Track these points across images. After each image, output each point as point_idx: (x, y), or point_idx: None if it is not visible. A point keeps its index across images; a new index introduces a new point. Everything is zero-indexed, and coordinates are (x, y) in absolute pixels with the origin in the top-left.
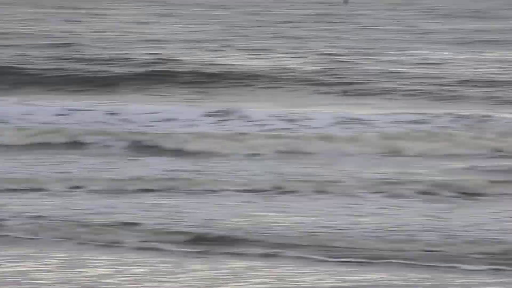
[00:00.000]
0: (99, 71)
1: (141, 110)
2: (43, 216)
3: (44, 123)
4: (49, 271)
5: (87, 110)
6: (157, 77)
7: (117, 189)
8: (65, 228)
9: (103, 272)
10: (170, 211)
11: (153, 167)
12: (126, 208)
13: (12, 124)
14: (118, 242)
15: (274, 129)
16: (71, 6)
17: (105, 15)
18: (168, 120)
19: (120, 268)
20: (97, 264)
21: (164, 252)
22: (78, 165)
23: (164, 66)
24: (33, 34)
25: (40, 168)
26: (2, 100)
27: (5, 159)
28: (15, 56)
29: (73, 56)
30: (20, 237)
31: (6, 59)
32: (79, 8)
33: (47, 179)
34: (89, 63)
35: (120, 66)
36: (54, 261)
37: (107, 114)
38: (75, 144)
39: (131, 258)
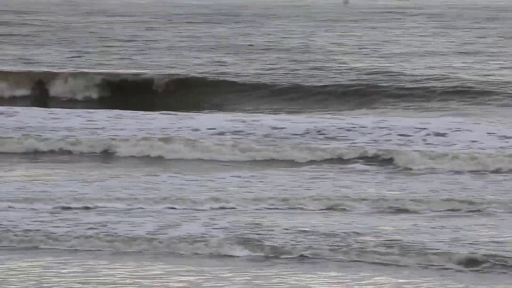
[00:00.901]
0: (369, 85)
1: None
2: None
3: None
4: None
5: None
6: (431, 91)
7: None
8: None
9: None
10: (453, 232)
11: (422, 185)
12: (400, 228)
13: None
14: (398, 262)
15: None
16: (340, 19)
17: (376, 28)
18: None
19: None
20: (372, 282)
21: (448, 272)
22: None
23: (443, 79)
24: (300, 47)
25: (326, 185)
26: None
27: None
28: (293, 72)
29: (332, 68)
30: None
31: (282, 74)
32: (349, 21)
33: (346, 197)
34: (365, 75)
35: (394, 79)
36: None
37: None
38: (366, 159)
39: (411, 279)
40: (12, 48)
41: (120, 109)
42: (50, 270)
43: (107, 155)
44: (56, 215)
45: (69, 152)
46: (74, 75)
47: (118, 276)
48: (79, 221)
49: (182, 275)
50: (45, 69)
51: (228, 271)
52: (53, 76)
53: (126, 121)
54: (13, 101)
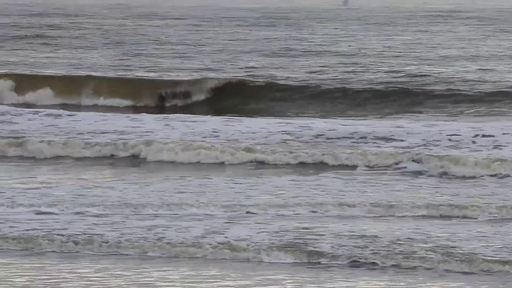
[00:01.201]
0: (418, 87)
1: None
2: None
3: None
4: None
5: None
6: (481, 94)
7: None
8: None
9: None
10: (505, 237)
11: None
12: (452, 233)
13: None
14: (450, 268)
15: None
16: (389, 22)
17: (425, 31)
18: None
19: None
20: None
21: (501, 278)
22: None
23: (492, 82)
24: (349, 50)
25: (378, 189)
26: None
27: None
28: (342, 74)
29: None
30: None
31: (332, 77)
32: (398, 25)
33: (398, 201)
34: (414, 77)
35: (443, 82)
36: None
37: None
38: (416, 161)
39: (464, 284)
40: (64, 51)
41: (169, 112)
42: (101, 273)
43: (155, 158)
44: (104, 218)
45: (119, 156)
46: (120, 80)
47: (167, 280)
48: (129, 225)
49: (231, 280)
50: (94, 73)
51: (278, 275)
52: (102, 80)
53: (174, 124)
54: (65, 105)
